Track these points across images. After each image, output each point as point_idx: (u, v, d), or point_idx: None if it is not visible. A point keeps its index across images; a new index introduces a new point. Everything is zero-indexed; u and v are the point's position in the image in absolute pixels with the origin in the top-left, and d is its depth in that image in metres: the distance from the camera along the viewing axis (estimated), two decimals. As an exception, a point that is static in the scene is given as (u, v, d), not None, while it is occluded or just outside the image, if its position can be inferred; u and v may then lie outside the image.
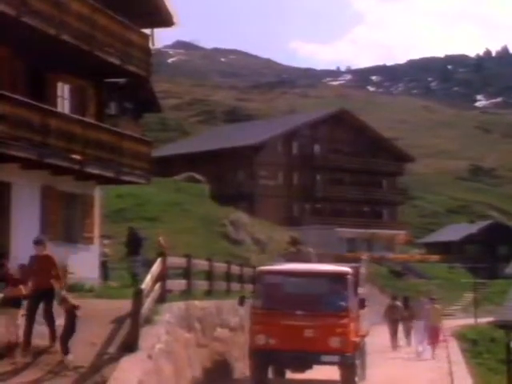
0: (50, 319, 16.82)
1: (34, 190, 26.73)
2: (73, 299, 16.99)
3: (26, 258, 24.94)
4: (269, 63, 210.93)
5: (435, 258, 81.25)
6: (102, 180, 29.74)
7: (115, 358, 16.73)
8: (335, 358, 19.70)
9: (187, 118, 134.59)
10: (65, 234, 28.30)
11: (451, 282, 69.51)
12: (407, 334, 32.77)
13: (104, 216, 32.08)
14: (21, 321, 16.92)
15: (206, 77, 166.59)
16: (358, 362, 20.69)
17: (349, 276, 20.65)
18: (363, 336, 22.83)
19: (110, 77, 31.24)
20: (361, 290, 22.35)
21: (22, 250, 25.34)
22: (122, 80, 32.61)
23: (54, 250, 26.68)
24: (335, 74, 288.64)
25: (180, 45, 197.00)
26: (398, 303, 33.96)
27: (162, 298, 19.47)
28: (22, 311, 17.11)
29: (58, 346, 16.58)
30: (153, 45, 31.97)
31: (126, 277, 29.98)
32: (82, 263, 28.08)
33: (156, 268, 19.25)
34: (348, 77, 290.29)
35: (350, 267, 21.51)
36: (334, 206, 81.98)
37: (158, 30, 32.46)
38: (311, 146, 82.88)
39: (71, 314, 16.57)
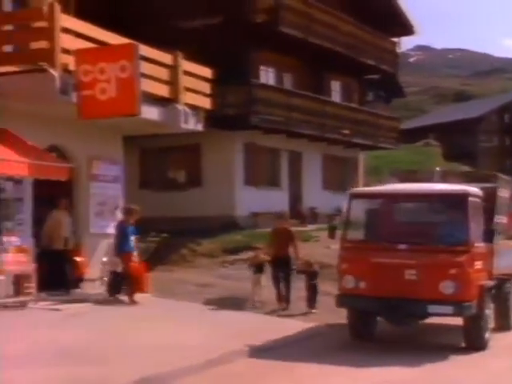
0: (285, 283, 14.35)
1: (316, 156, 27.59)
2: (314, 265, 14.61)
3: (313, 204, 26.26)
4: (485, 56, 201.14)
5: None
6: (364, 147, 30.20)
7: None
8: (448, 309, 10.72)
9: (424, 100, 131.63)
10: (339, 186, 29.13)
11: None
12: None
13: (365, 171, 32.55)
14: (264, 283, 14.79)
15: (437, 70, 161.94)
16: (488, 311, 11.45)
17: (471, 198, 11.34)
18: (505, 278, 12.63)
19: (368, 74, 31.49)
20: (501, 220, 12.52)
21: (309, 198, 26.62)
22: (376, 76, 32.77)
23: (331, 198, 27.76)
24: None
25: (418, 47, 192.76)
26: None
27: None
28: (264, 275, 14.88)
29: (284, 305, 14.25)
30: (399, 49, 32.02)
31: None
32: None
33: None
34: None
35: (481, 188, 11.97)
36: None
37: (404, 38, 32.47)
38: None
39: (311, 276, 14.35)
